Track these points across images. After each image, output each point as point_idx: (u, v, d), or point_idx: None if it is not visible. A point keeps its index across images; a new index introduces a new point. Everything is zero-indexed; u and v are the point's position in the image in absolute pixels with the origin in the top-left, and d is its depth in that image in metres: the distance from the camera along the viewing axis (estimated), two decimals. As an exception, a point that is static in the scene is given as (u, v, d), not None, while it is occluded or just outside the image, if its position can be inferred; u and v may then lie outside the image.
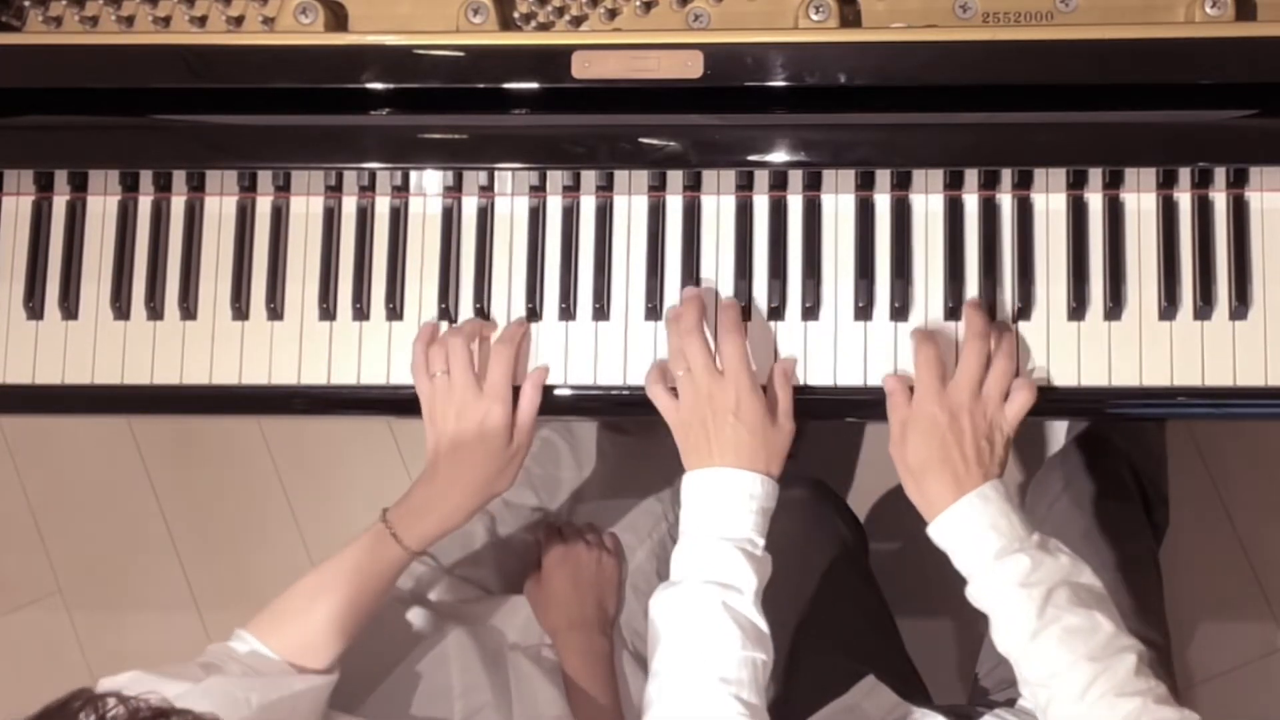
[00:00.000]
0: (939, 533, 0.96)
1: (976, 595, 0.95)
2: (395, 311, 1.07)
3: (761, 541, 0.96)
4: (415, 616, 1.13)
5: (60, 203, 1.09)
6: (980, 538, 0.94)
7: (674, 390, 1.01)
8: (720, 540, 0.95)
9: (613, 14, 1.03)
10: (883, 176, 1.05)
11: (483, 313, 1.06)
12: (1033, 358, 1.03)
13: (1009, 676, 1.14)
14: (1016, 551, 0.92)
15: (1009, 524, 0.94)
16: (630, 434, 1.30)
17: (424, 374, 1.02)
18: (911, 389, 0.99)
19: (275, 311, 1.08)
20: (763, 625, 0.94)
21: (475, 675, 1.07)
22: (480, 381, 1.00)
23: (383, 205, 1.08)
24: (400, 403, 1.07)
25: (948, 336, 1.03)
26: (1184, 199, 1.04)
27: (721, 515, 0.96)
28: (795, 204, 1.06)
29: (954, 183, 1.05)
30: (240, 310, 1.07)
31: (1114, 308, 1.03)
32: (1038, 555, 0.92)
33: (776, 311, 1.05)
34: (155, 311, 1.08)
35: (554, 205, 1.07)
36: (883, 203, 1.06)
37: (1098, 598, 0.93)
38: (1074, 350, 1.03)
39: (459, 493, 1.00)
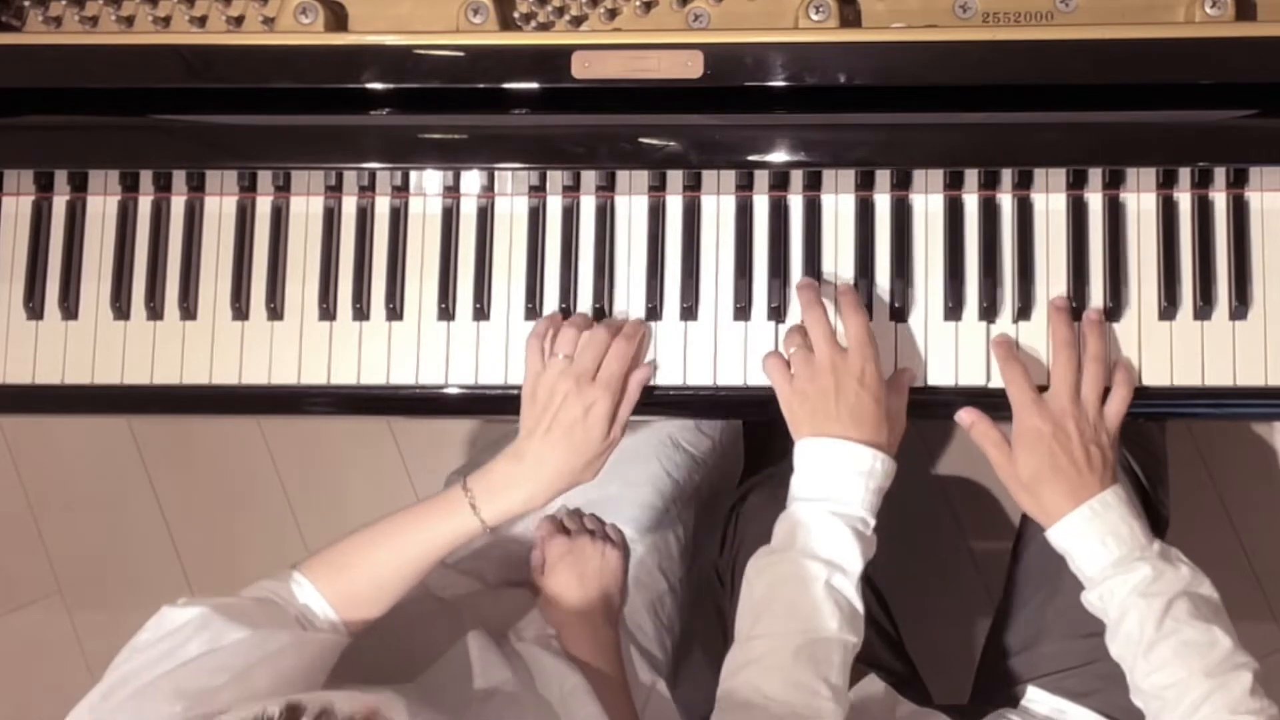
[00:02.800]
0: (1058, 539, 0.97)
1: (1094, 601, 0.96)
2: (395, 311, 1.07)
3: (873, 521, 0.95)
4: (426, 605, 1.13)
5: (60, 203, 1.09)
6: (1101, 544, 0.94)
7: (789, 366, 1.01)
8: (831, 515, 0.94)
9: (613, 14, 1.03)
10: (883, 176, 1.05)
11: (482, 313, 1.06)
12: (1034, 358, 1.03)
13: (1010, 676, 1.15)
14: (1138, 560, 0.93)
15: (1130, 531, 0.94)
16: (631, 428, 1.30)
17: (538, 351, 1.02)
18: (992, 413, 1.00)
19: (275, 311, 1.08)
20: (860, 608, 0.94)
21: (491, 657, 1.07)
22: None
23: (383, 205, 1.08)
24: (400, 402, 1.08)
25: (945, 336, 1.03)
26: (1184, 199, 1.04)
27: (836, 489, 0.95)
28: (795, 204, 1.06)
29: (954, 183, 1.05)
30: (240, 310, 1.07)
31: (1114, 308, 1.03)
32: (1159, 565, 0.93)
33: (776, 311, 1.05)
34: (155, 311, 1.08)
35: (554, 205, 1.07)
36: (883, 203, 1.06)
37: (1216, 610, 0.93)
38: (1074, 350, 1.03)
39: (546, 476, 0.99)
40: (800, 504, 0.96)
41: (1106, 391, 1.00)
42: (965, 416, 1.01)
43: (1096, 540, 0.94)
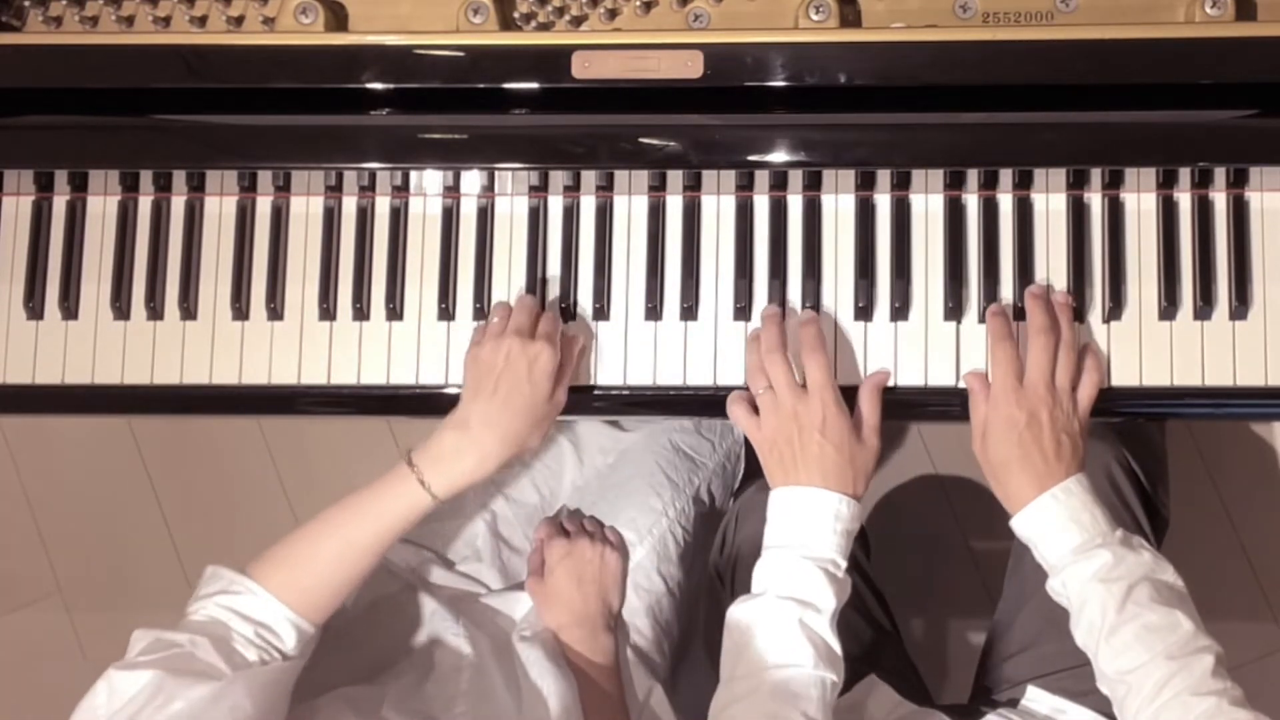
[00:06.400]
0: (1021, 526, 0.97)
1: (1057, 589, 0.96)
2: (395, 311, 1.07)
3: (844, 563, 0.97)
4: (424, 603, 1.13)
5: (60, 203, 1.09)
6: (1062, 531, 0.94)
7: (755, 408, 1.01)
8: (803, 559, 0.96)
9: (613, 14, 1.03)
10: (883, 176, 1.05)
11: (482, 313, 1.06)
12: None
13: (1010, 676, 1.15)
14: (1099, 546, 0.93)
15: (1091, 518, 0.95)
16: (631, 431, 1.31)
17: (482, 326, 1.03)
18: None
19: (275, 311, 1.08)
20: (836, 647, 0.95)
21: (483, 658, 1.08)
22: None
23: (383, 205, 1.08)
24: (400, 402, 1.08)
25: (948, 334, 1.03)
26: (1184, 199, 1.04)
27: (806, 535, 0.97)
28: (795, 204, 1.06)
29: (954, 183, 1.05)
30: (240, 310, 1.07)
31: (1114, 308, 1.03)
32: (1119, 551, 0.93)
33: (776, 311, 1.05)
34: (155, 311, 1.08)
35: (554, 205, 1.07)
36: (883, 203, 1.06)
37: (1179, 596, 0.93)
38: (1074, 350, 1.03)
39: (494, 440, 0.97)
40: (773, 551, 0.98)
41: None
42: (972, 380, 1.00)
43: (1058, 527, 0.95)
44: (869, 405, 1.01)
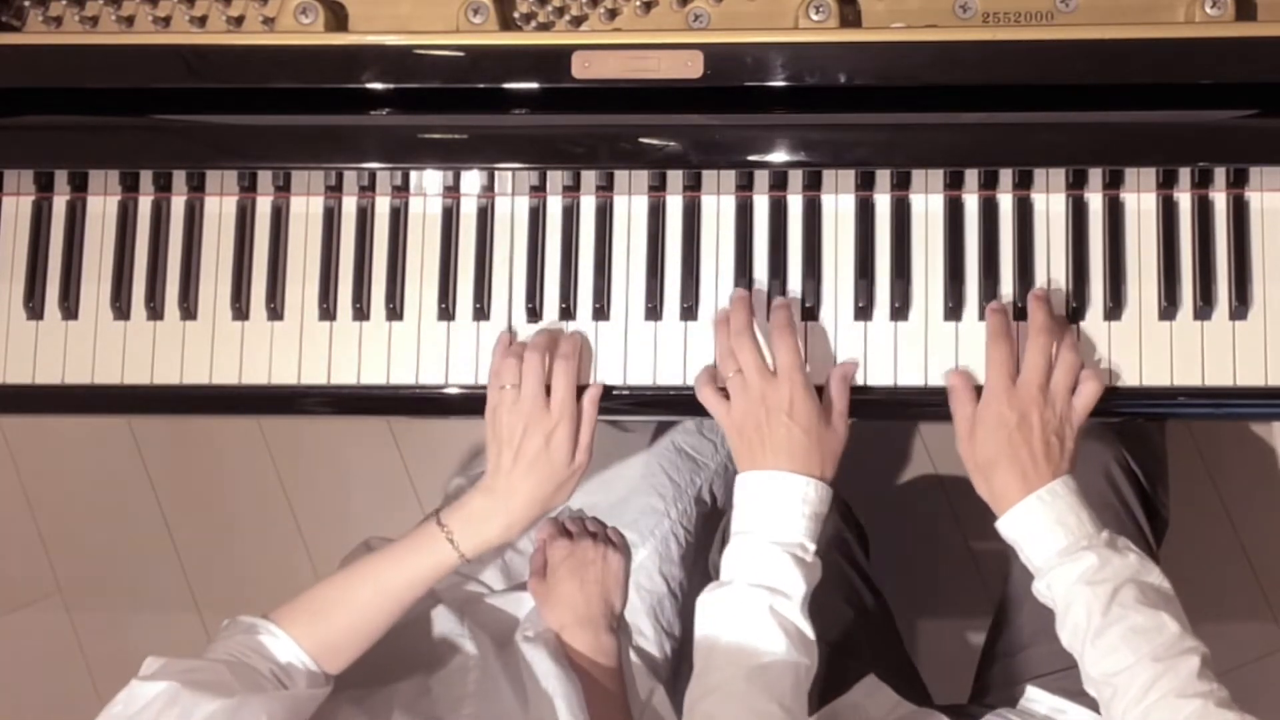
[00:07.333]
0: (1007, 528, 0.97)
1: (1042, 591, 0.96)
2: (395, 311, 1.07)
3: (813, 547, 0.97)
4: (428, 603, 1.13)
5: (60, 203, 1.09)
6: (1048, 533, 0.94)
7: (724, 392, 1.01)
8: (771, 544, 0.95)
9: (613, 14, 1.03)
10: (883, 176, 1.05)
11: (482, 313, 1.06)
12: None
13: (1009, 676, 1.15)
14: (1084, 549, 0.93)
15: (1077, 520, 0.94)
16: (633, 431, 1.31)
17: (495, 384, 1.03)
18: (975, 386, 0.99)
19: (275, 311, 1.08)
20: (809, 631, 0.95)
21: (488, 659, 1.08)
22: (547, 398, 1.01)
23: (383, 205, 1.08)
24: (400, 402, 1.08)
25: (947, 334, 1.03)
26: (1184, 199, 1.04)
27: (773, 519, 0.96)
28: (795, 204, 1.06)
29: (954, 183, 1.05)
30: (240, 310, 1.08)
31: (1114, 308, 1.03)
32: (1105, 553, 0.93)
33: (776, 311, 1.05)
34: (155, 311, 1.08)
35: (554, 205, 1.07)
36: (883, 203, 1.06)
37: (1165, 598, 0.93)
38: (1074, 350, 1.03)
39: (519, 506, 1.01)
40: (741, 537, 0.97)
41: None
42: (953, 379, 1.01)
43: (1044, 529, 0.94)
44: (838, 392, 1.01)
